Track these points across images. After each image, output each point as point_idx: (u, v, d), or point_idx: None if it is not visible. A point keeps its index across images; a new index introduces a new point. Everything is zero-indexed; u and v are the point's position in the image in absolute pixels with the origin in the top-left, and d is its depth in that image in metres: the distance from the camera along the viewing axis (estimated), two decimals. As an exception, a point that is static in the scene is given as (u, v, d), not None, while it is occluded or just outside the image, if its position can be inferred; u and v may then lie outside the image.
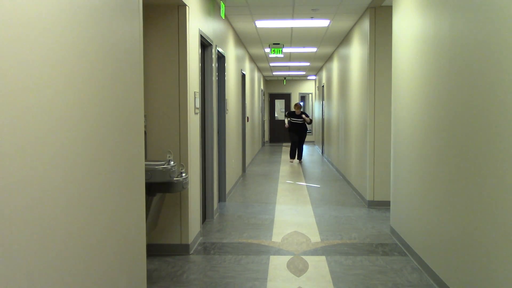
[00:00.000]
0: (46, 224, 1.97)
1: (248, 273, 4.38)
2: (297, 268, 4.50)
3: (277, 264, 4.61)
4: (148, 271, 4.35)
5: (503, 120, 2.86)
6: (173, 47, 4.81)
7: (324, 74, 15.44)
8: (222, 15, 7.05)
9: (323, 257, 4.81)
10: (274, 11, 7.65)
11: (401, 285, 4.07)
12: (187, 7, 4.83)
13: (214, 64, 6.44)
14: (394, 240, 5.45)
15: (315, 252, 5.00)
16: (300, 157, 13.84)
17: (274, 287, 4.07)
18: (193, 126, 5.14)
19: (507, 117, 2.80)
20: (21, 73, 1.80)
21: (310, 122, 13.67)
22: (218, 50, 6.86)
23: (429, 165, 4.25)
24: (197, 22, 5.41)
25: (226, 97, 7.71)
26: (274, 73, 19.11)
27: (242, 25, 8.73)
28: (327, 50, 12.18)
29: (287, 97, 22.60)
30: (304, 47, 11.61)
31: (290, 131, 13.71)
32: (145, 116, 4.66)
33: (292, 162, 13.52)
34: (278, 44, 10.79)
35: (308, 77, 21.41)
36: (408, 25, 4.98)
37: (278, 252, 5.00)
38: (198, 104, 5.33)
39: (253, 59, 13.76)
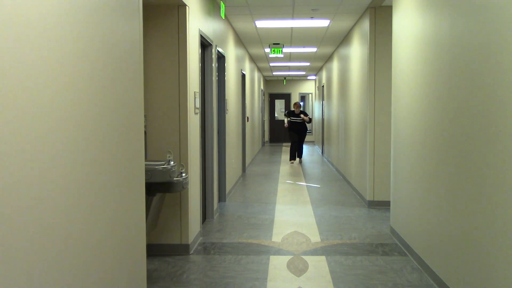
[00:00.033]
0: (46, 224, 1.97)
1: (248, 273, 4.38)
2: (297, 268, 4.50)
3: (277, 264, 4.61)
4: (148, 271, 4.35)
5: (503, 120, 2.86)
6: (173, 47, 4.81)
7: (324, 74, 15.44)
8: (222, 15, 7.05)
9: (323, 257, 4.81)
10: (274, 11, 7.65)
11: (401, 285, 4.07)
12: (187, 7, 4.83)
13: (214, 64, 6.44)
14: (394, 240, 5.45)
15: (315, 252, 5.00)
16: (300, 156, 13.72)
17: (274, 287, 4.07)
18: (193, 126, 5.14)
19: (507, 117, 2.80)
20: (21, 73, 1.80)
21: (310, 121, 13.52)
22: (218, 50, 6.86)
23: (429, 165, 4.25)
24: (197, 22, 5.41)
25: (226, 97, 7.71)
26: (274, 73, 19.10)
27: (242, 25, 8.73)
28: (327, 50, 12.18)
29: (287, 97, 22.59)
30: (304, 47, 11.61)
31: (290, 131, 13.53)
32: (145, 116, 4.65)
33: (292, 163, 13.26)
34: (278, 44, 10.79)
35: (308, 77, 21.41)
36: (408, 25, 4.98)
37: (278, 252, 5.00)
38: (198, 104, 5.33)
39: (253, 59, 13.76)
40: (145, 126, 4.71)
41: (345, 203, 7.65)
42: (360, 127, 8.05)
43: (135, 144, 3.09)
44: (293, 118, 13.47)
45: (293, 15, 7.91)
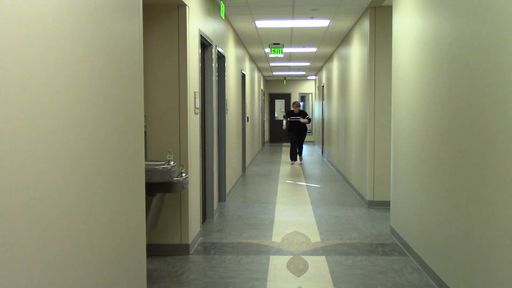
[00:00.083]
0: (46, 224, 1.97)
1: (248, 273, 4.38)
2: (297, 268, 4.50)
3: (277, 264, 4.61)
4: (148, 271, 4.35)
5: (503, 120, 2.86)
6: (173, 47, 4.81)
7: (324, 74, 15.44)
8: (222, 15, 7.05)
9: (323, 257, 4.81)
10: (274, 11, 7.65)
11: (401, 285, 4.07)
12: (187, 7, 4.83)
13: (214, 64, 6.44)
14: (394, 240, 5.45)
15: (315, 252, 5.00)
16: (300, 153, 13.51)
17: (274, 287, 4.07)
18: (193, 126, 5.14)
19: (507, 117, 2.80)
20: (21, 73, 1.80)
21: (309, 121, 13.34)
22: (218, 50, 6.86)
23: (429, 165, 4.25)
24: (197, 22, 5.41)
25: (226, 97, 7.71)
26: (274, 73, 19.11)
27: (242, 25, 8.73)
28: (327, 50, 12.18)
29: (287, 97, 22.59)
30: (304, 47, 11.61)
31: (290, 131, 13.27)
32: (145, 116, 4.65)
33: (293, 164, 12.95)
34: (278, 44, 10.79)
35: (308, 77, 21.41)
36: (408, 25, 4.98)
37: (278, 252, 5.00)
38: (198, 104, 5.33)
39: (253, 59, 13.76)
40: (145, 126, 4.71)
41: (345, 203, 7.65)
42: (360, 127, 8.05)
43: (135, 144, 3.09)
44: (293, 118, 13.22)
45: (293, 15, 7.91)
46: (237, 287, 4.05)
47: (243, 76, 10.81)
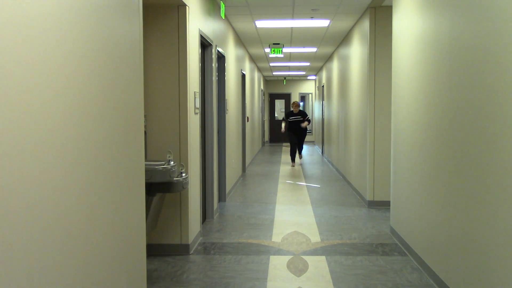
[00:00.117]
0: (46, 224, 1.97)
1: (248, 273, 4.38)
2: (297, 268, 4.50)
3: (277, 264, 4.61)
4: (148, 271, 4.35)
5: (503, 120, 2.86)
6: (173, 47, 4.81)
7: (324, 74, 15.44)
8: (222, 15, 7.05)
9: (323, 257, 4.81)
10: (274, 11, 7.65)
11: (401, 285, 4.07)
12: (187, 7, 4.83)
13: (214, 64, 6.44)
14: (394, 240, 5.45)
15: (315, 252, 5.00)
16: (300, 152, 13.35)
17: (274, 287, 4.07)
18: (193, 126, 5.14)
19: (507, 117, 2.80)
20: (21, 73, 1.80)
21: (309, 123, 13.15)
22: (218, 50, 6.86)
23: (429, 165, 4.25)
24: (197, 22, 5.41)
25: (226, 97, 7.71)
26: (274, 73, 19.11)
27: (242, 25, 8.73)
28: (327, 50, 12.18)
29: (287, 97, 22.59)
30: (304, 47, 11.61)
31: (289, 131, 13.04)
32: (145, 116, 4.66)
33: (293, 165, 12.70)
34: (278, 44, 10.79)
35: (308, 77, 21.41)
36: (408, 25, 4.98)
37: (278, 252, 5.00)
38: (198, 104, 5.33)
39: (253, 59, 13.76)
40: (145, 126, 4.71)
41: (345, 203, 7.65)
42: (360, 127, 8.05)
43: (135, 144, 3.09)
44: (292, 118, 12.99)
45: (293, 15, 7.91)
46: (237, 287, 4.05)
47: (243, 76, 10.81)
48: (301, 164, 13.23)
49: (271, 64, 15.37)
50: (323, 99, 15.82)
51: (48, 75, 1.99)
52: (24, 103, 1.82)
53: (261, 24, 8.60)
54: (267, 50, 11.77)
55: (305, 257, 4.82)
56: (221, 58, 7.37)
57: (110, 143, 2.66)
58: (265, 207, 7.33)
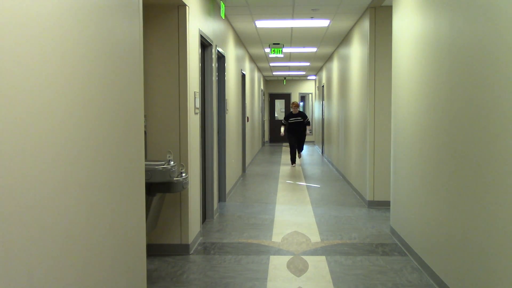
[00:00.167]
0: (46, 224, 1.97)
1: (248, 273, 4.38)
2: (297, 268, 4.50)
3: (277, 264, 4.61)
4: (148, 271, 4.35)
5: (503, 120, 2.86)
6: (173, 47, 4.81)
7: (324, 74, 15.45)
8: (222, 15, 7.05)
9: (323, 257, 4.81)
10: (274, 11, 7.65)
11: (401, 285, 4.07)
12: (187, 7, 4.84)
13: (214, 64, 6.44)
14: (394, 240, 5.45)
15: (315, 252, 5.00)
16: (299, 151, 13.27)
17: (274, 287, 4.07)
18: (193, 126, 5.14)
19: (507, 117, 2.80)
20: (21, 73, 1.80)
21: (309, 124, 13.04)
22: (218, 50, 6.86)
23: (429, 165, 4.25)
24: (197, 22, 5.41)
25: (226, 97, 7.71)
26: (274, 73, 19.11)
27: (242, 25, 8.73)
28: (327, 50, 12.18)
29: (287, 97, 22.60)
30: (304, 47, 11.61)
31: (289, 132, 12.89)
32: (145, 116, 4.66)
33: (294, 166, 12.68)
34: (278, 44, 10.79)
35: (308, 77, 21.42)
36: (408, 25, 4.98)
37: (278, 252, 5.00)
38: (198, 104, 5.33)
39: (253, 59, 13.76)
40: (145, 126, 4.71)
41: (345, 203, 7.65)
42: (360, 127, 8.05)
43: (135, 144, 3.09)
44: (292, 120, 12.84)
45: (293, 15, 7.91)
46: (237, 287, 4.05)
47: (243, 76, 10.81)
48: (299, 158, 13.18)
49: (271, 64, 15.37)
50: (323, 99, 15.82)
51: (48, 75, 1.99)
52: (24, 103, 1.82)
53: (261, 24, 8.60)
54: (267, 50, 11.77)
55: (305, 257, 4.82)
56: (221, 58, 7.37)
57: (110, 143, 2.66)
58: (265, 207, 7.33)
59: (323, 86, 15.72)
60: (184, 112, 4.84)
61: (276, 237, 5.57)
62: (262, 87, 18.13)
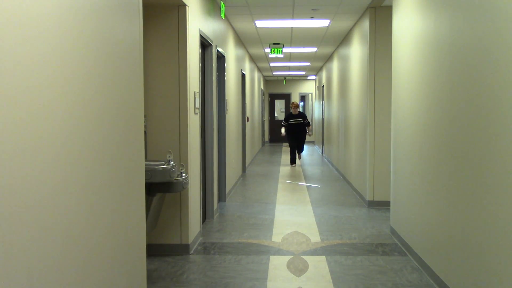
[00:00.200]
0: (46, 224, 1.97)
1: (248, 273, 4.38)
2: (297, 268, 4.50)
3: (277, 264, 4.61)
4: (148, 271, 4.35)
5: (503, 120, 2.86)
6: (173, 47, 4.81)
7: (324, 74, 15.45)
8: (222, 15, 7.05)
9: (323, 257, 4.81)
10: (274, 11, 7.65)
11: (401, 285, 4.07)
12: (187, 7, 4.84)
13: (214, 64, 6.44)
14: (394, 240, 5.45)
15: (315, 252, 5.00)
16: (299, 152, 13.21)
17: (274, 287, 4.07)
18: (193, 126, 5.14)
19: (507, 117, 2.80)
20: (21, 73, 1.81)
21: (309, 125, 12.97)
22: (218, 50, 6.86)
23: (429, 165, 4.25)
24: (197, 22, 5.41)
25: (226, 97, 7.71)
26: (274, 73, 19.11)
27: (242, 25, 8.73)
28: (327, 50, 12.18)
29: (287, 97, 22.59)
30: (304, 47, 11.61)
31: (288, 133, 12.77)
32: (145, 116, 4.66)
33: (294, 166, 12.62)
34: (278, 44, 10.79)
35: (308, 77, 21.42)
36: (408, 25, 4.98)
37: (278, 252, 5.00)
38: (198, 104, 5.33)
39: (253, 59, 13.75)
40: (145, 126, 4.71)
41: (345, 203, 7.65)
42: (360, 127, 8.05)
43: (135, 144, 3.09)
44: (292, 121, 12.72)
45: (293, 15, 7.91)
46: (237, 287, 4.05)
47: (243, 76, 10.81)
48: (299, 158, 13.18)
49: (271, 64, 15.37)
50: (323, 99, 15.82)
51: (48, 75, 1.99)
52: (24, 103, 1.82)
53: (261, 24, 8.60)
54: (267, 50, 11.77)
55: (305, 257, 4.82)
56: (221, 58, 7.37)
57: (110, 143, 2.66)
58: (265, 207, 7.34)
59: (323, 86, 15.72)
60: (184, 112, 4.84)
61: (276, 237, 5.57)
62: (262, 87, 18.13)
